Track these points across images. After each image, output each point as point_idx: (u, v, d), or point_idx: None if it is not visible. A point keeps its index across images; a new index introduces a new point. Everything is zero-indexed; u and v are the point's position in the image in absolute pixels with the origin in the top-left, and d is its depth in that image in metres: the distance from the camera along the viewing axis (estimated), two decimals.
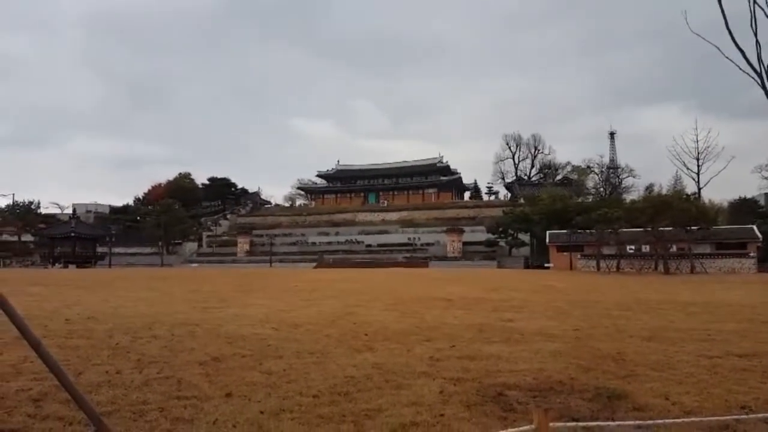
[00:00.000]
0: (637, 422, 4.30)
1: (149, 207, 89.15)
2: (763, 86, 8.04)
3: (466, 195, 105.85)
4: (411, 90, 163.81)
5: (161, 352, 7.85)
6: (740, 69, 8.17)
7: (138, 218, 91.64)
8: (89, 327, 10.38)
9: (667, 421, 4.26)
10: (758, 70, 8.13)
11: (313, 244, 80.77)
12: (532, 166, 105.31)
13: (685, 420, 4.23)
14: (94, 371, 6.51)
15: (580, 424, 4.09)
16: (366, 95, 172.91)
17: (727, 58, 8.44)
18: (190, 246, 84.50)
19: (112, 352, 7.89)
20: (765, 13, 8.00)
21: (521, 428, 2.31)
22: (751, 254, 49.06)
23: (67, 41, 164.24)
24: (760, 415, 4.39)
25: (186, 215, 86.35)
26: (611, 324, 11.26)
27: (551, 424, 2.00)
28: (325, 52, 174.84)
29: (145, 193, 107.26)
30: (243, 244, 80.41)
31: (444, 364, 7.05)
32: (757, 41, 8.17)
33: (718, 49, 8.68)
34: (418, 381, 6.09)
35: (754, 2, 8.20)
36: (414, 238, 77.61)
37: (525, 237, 66.20)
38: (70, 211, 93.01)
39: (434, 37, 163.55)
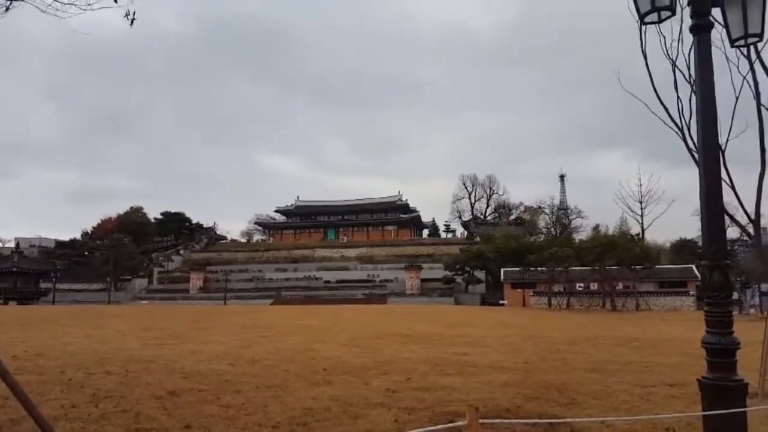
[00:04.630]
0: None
1: (98, 242, 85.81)
2: (684, 139, 8.97)
3: (425, 233, 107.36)
4: (377, 128, 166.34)
5: (117, 387, 7.79)
6: (665, 124, 9.13)
7: (86, 253, 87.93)
8: (39, 363, 10.10)
9: None
10: (680, 125, 9.07)
11: (271, 280, 79.44)
12: (488, 206, 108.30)
13: None
14: (48, 405, 6.44)
15: (505, 421, 4.48)
16: (332, 132, 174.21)
17: (654, 113, 9.42)
18: (140, 282, 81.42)
19: (66, 387, 7.77)
20: (684, 75, 9.00)
21: (456, 423, 2.66)
22: (691, 292, 51.74)
23: (24, 70, 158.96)
24: None
25: (136, 250, 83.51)
26: (559, 357, 11.83)
27: (481, 420, 2.38)
28: (294, 90, 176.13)
29: (94, 228, 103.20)
30: (196, 281, 78.13)
31: (400, 395, 7.33)
32: (678, 98, 9.20)
33: (647, 105, 9.68)
34: (374, 411, 6.34)
35: (674, 65, 9.21)
36: (373, 275, 77.60)
37: (481, 274, 67.47)
38: (12, 245, 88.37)
39: (402, 77, 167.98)
